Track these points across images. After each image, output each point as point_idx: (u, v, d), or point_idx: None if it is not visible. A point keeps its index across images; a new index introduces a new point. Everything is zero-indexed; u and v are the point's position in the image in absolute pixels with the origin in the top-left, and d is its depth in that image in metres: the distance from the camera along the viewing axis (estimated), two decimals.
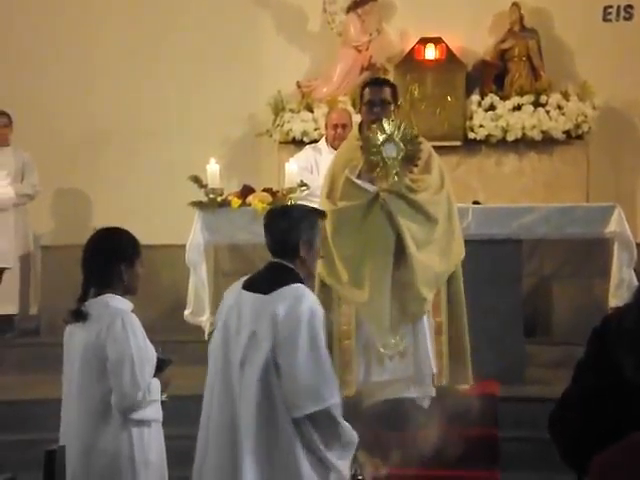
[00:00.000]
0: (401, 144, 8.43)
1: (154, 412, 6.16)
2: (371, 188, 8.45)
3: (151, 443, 6.18)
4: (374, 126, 8.44)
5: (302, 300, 5.88)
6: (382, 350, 8.58)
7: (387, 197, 8.43)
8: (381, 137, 8.39)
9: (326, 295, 8.57)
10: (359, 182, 8.51)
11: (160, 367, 6.13)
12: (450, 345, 8.84)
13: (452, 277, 8.87)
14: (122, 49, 13.32)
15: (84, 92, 13.25)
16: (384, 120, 8.42)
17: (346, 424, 5.89)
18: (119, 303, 6.25)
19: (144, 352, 6.17)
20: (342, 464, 5.95)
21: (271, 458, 5.82)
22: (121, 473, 6.06)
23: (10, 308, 12.37)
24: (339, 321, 8.76)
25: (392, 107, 8.71)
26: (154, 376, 6.15)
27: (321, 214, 6.36)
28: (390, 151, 8.39)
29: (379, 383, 8.74)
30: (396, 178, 8.47)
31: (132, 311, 6.29)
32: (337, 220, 8.53)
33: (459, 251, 8.91)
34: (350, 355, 8.73)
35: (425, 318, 8.58)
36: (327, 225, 8.35)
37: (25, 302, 12.72)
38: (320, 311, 6.03)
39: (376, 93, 8.64)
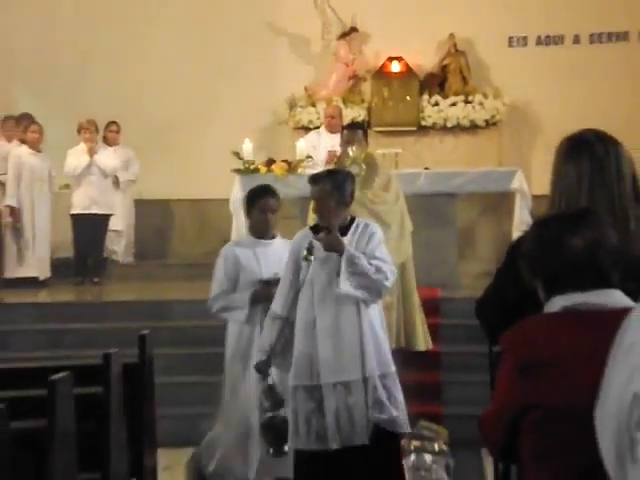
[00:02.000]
0: (362, 165, 8.12)
1: (235, 315, 6.17)
2: None
3: (232, 336, 6.28)
4: (343, 152, 8.27)
5: None
6: None
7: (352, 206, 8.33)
8: (348, 160, 8.09)
9: None
10: None
11: (267, 283, 6.06)
12: (404, 318, 8.28)
13: (404, 269, 8.18)
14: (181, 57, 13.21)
15: (164, 90, 13.12)
16: (349, 148, 8.12)
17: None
18: (240, 239, 6.53)
19: (216, 277, 6.29)
20: None
21: None
22: None
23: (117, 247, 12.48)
24: None
25: (362, 143, 8.23)
26: (262, 292, 6.06)
27: (313, 180, 5.61)
28: (354, 170, 7.63)
29: None
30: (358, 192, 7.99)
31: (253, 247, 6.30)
32: None
33: (407, 250, 8.32)
34: None
35: None
36: None
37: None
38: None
39: (350, 135, 8.24)
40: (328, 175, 5.62)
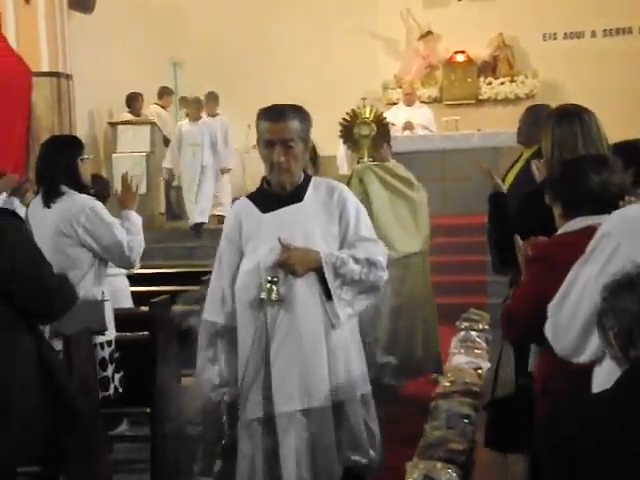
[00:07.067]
0: (373, 125, 5.32)
1: None
2: None
3: None
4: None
5: None
6: None
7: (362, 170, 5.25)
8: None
9: None
10: None
11: None
12: (424, 327, 5.24)
13: (424, 263, 5.23)
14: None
15: (296, 76, 12.56)
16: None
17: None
18: None
19: None
20: None
21: None
22: None
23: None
24: None
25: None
26: None
27: (277, 114, 2.87)
28: (364, 132, 5.30)
29: None
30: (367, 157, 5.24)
31: None
32: None
33: (427, 238, 5.19)
34: None
35: None
36: None
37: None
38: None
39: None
40: (294, 109, 2.88)
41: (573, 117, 3.45)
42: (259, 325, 2.71)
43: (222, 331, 2.82)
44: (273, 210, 2.82)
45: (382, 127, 5.26)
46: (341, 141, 10.17)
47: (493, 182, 4.15)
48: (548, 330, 2.17)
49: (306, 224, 2.78)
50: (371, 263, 2.81)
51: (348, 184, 4.83)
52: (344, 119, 5.30)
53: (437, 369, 5.04)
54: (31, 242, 2.70)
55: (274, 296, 2.69)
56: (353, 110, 5.28)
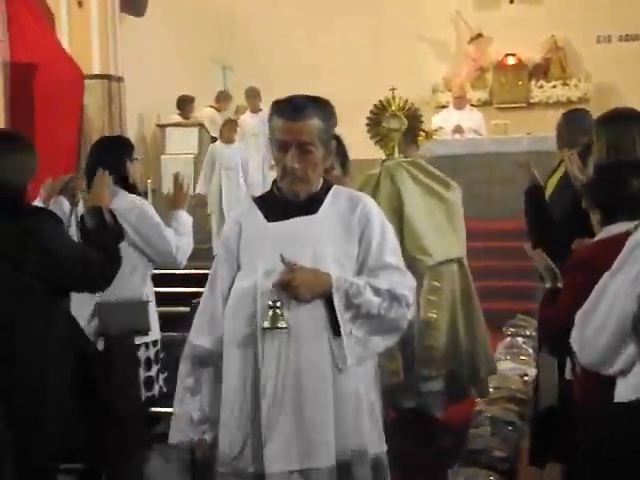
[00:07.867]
0: (404, 118, 4.63)
1: None
2: None
3: None
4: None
5: None
6: None
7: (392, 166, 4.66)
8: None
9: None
10: None
11: None
12: (468, 340, 4.47)
13: (462, 271, 4.48)
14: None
15: (344, 79, 12.11)
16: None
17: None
18: None
19: None
20: None
21: None
22: None
23: None
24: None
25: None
26: None
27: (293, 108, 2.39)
28: (394, 125, 4.61)
29: None
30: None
31: None
32: None
33: (464, 244, 4.51)
34: None
35: None
36: None
37: None
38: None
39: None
40: (316, 103, 2.37)
41: (629, 119, 3.39)
42: (248, 360, 2.20)
43: (207, 358, 2.30)
44: (280, 220, 2.29)
45: (414, 120, 4.68)
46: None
47: (530, 174, 4.04)
48: (574, 340, 2.10)
49: (317, 241, 2.23)
50: (394, 297, 2.23)
51: (377, 182, 4.50)
52: (371, 111, 4.74)
53: (482, 394, 4.63)
54: (68, 239, 2.73)
55: (280, 324, 2.14)
56: (381, 101, 4.70)
